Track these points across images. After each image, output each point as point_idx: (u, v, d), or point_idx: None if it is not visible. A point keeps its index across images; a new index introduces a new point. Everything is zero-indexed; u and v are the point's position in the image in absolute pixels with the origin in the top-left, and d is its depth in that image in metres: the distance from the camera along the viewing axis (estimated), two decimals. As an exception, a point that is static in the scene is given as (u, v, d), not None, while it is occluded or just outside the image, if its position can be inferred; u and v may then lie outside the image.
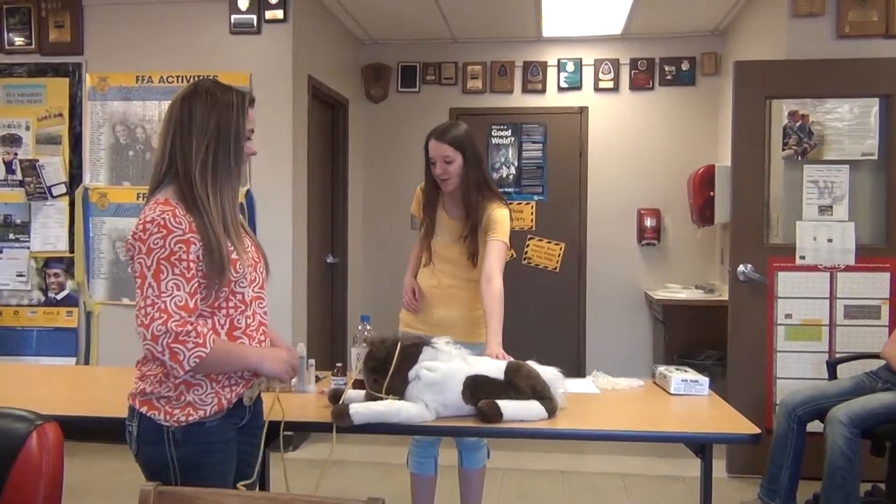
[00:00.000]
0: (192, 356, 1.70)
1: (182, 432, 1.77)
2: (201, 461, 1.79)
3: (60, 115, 4.74)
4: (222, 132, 1.82)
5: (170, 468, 1.76)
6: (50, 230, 4.74)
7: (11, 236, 4.78)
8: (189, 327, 1.70)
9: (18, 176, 4.73)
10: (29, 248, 4.76)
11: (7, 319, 4.77)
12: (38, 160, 4.71)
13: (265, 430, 1.99)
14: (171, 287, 1.70)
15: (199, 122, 1.80)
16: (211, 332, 1.76)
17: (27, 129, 4.76)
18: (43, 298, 4.77)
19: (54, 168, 4.71)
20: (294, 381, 2.64)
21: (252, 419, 1.94)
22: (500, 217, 2.80)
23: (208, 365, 1.74)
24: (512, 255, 5.91)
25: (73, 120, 4.73)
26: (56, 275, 4.75)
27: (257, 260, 1.93)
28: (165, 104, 4.67)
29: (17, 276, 4.77)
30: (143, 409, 1.79)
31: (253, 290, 1.89)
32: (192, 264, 1.73)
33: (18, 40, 4.75)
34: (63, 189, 4.72)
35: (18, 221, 4.77)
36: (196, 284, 1.74)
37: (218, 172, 1.82)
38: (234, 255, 1.81)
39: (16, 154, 4.76)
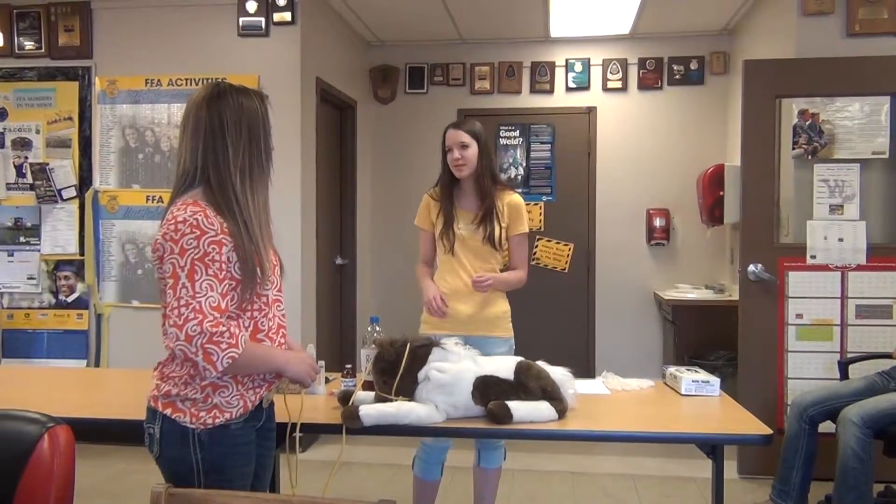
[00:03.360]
0: (226, 357, 1.70)
1: (208, 435, 1.77)
2: (225, 464, 1.79)
3: (70, 118, 4.76)
4: (253, 136, 1.84)
5: (193, 471, 1.76)
6: (60, 233, 4.77)
7: (22, 239, 4.80)
8: (223, 328, 1.70)
9: (29, 179, 4.76)
10: (39, 250, 4.78)
11: (18, 322, 4.79)
12: (48, 163, 4.74)
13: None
14: (204, 287, 1.70)
15: (231, 128, 1.81)
16: (242, 333, 1.77)
17: (37, 132, 4.78)
18: (53, 301, 4.79)
19: (64, 171, 4.74)
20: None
21: (267, 421, 1.95)
22: (521, 205, 3.03)
23: (239, 366, 1.74)
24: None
25: (83, 123, 4.75)
26: (66, 277, 4.77)
27: (275, 263, 1.94)
28: (175, 107, 4.75)
29: (28, 278, 4.80)
30: (168, 412, 1.78)
31: (273, 293, 1.90)
32: (223, 265, 1.74)
33: (28, 44, 4.78)
34: (73, 192, 4.74)
35: (29, 224, 4.80)
36: (227, 285, 1.75)
37: (254, 175, 1.84)
38: (262, 259, 1.82)
39: (26, 157, 4.78)
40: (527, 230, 3.04)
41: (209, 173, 1.80)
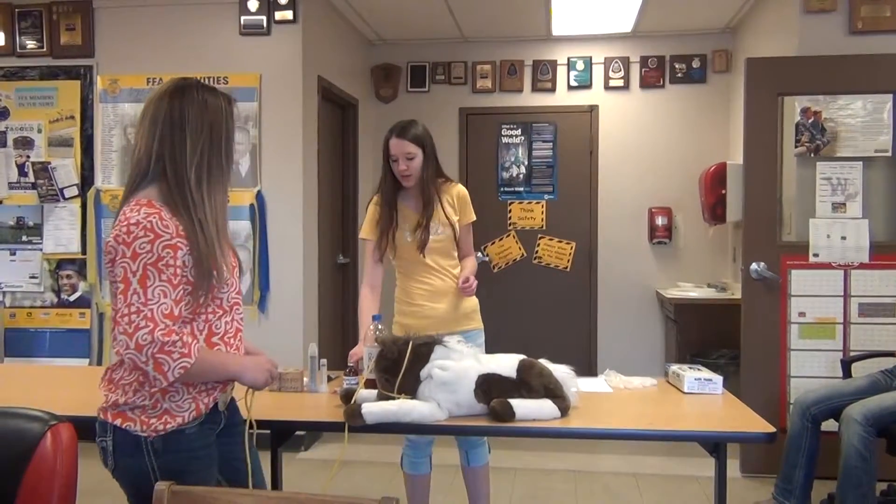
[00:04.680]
0: (177, 367, 1.65)
1: (161, 441, 1.72)
2: (183, 469, 1.73)
3: (72, 117, 4.76)
4: (214, 135, 1.78)
5: (151, 480, 1.68)
6: (62, 232, 4.77)
7: (24, 238, 4.80)
8: (175, 337, 1.65)
9: (31, 178, 4.77)
10: (42, 249, 4.79)
11: (20, 321, 4.80)
12: (50, 162, 4.74)
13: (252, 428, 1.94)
14: (157, 294, 1.64)
15: (192, 123, 1.75)
16: (195, 341, 1.71)
17: (39, 131, 4.79)
18: (56, 300, 4.79)
19: (66, 170, 4.74)
20: (306, 380, 2.66)
21: (229, 420, 1.90)
22: (467, 194, 3.04)
23: (191, 375, 1.69)
24: (523, 255, 5.90)
25: (85, 122, 4.76)
26: (69, 276, 4.78)
27: (234, 264, 1.87)
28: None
29: (31, 277, 4.80)
30: (118, 422, 1.73)
31: (231, 295, 1.84)
32: (178, 270, 1.68)
33: (30, 43, 4.78)
34: (75, 191, 4.74)
35: (31, 223, 4.80)
36: (181, 291, 1.69)
37: (212, 175, 1.77)
38: (218, 260, 1.76)
39: (28, 156, 4.78)
40: (474, 218, 3.06)
41: (164, 166, 1.73)
